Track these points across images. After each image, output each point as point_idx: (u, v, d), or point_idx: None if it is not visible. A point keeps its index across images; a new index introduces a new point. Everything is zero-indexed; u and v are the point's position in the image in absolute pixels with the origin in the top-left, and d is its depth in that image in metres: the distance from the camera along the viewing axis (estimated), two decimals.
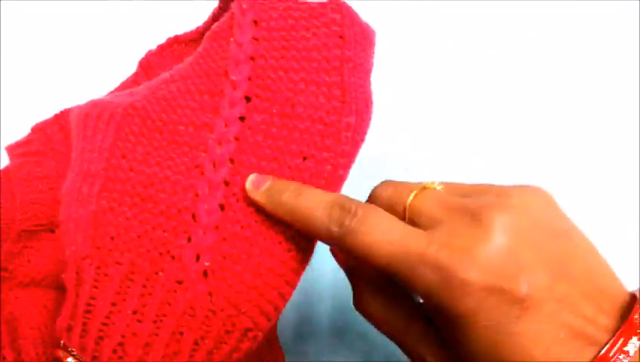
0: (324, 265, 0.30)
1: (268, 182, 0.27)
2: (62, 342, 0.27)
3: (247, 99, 0.28)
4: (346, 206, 0.26)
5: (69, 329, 0.27)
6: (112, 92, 0.42)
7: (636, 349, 0.22)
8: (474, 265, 0.23)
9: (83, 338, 0.26)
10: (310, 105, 0.28)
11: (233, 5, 0.30)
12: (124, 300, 0.27)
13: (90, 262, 0.27)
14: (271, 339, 0.36)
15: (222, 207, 0.27)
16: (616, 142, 0.47)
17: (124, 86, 0.42)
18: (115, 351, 0.26)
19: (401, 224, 0.25)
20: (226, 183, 0.28)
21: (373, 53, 0.30)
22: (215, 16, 0.37)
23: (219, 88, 0.29)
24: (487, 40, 0.50)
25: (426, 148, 0.46)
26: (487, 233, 0.23)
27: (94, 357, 0.26)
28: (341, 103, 0.28)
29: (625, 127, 0.48)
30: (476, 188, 0.26)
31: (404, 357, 0.40)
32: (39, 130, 0.38)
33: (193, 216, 0.27)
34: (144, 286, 0.27)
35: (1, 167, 0.38)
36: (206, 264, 0.27)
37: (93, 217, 0.28)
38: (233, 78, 0.29)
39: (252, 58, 0.29)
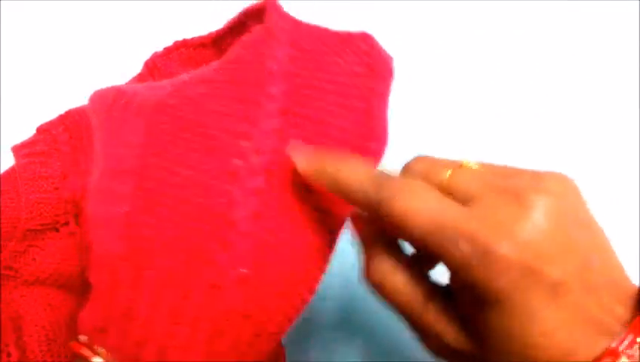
0: None
1: (312, 152, 0.28)
2: (83, 337, 0.27)
3: (283, 113, 0.29)
4: (387, 175, 0.26)
5: (103, 330, 0.27)
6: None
7: None
8: (513, 242, 0.22)
9: (121, 341, 0.26)
10: (340, 127, 0.29)
11: (270, 20, 0.31)
12: (162, 303, 0.27)
13: (125, 263, 0.27)
14: None
15: (256, 215, 0.28)
16: (617, 142, 0.47)
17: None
18: (156, 354, 0.26)
19: (439, 195, 0.25)
20: (261, 192, 0.28)
21: (392, 83, 0.32)
22: (233, 27, 0.37)
23: (254, 99, 0.29)
24: (487, 40, 0.50)
25: (425, 148, 0.46)
26: (528, 212, 0.23)
27: (134, 360, 0.26)
28: (367, 129, 0.30)
29: (625, 127, 0.48)
30: (511, 170, 0.26)
31: (406, 356, 0.40)
32: (44, 130, 0.39)
33: (228, 222, 0.28)
34: (181, 289, 0.27)
35: (5, 168, 0.38)
36: (241, 271, 0.27)
37: (127, 217, 0.28)
38: (271, 91, 0.29)
39: (288, 75, 0.30)
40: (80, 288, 0.36)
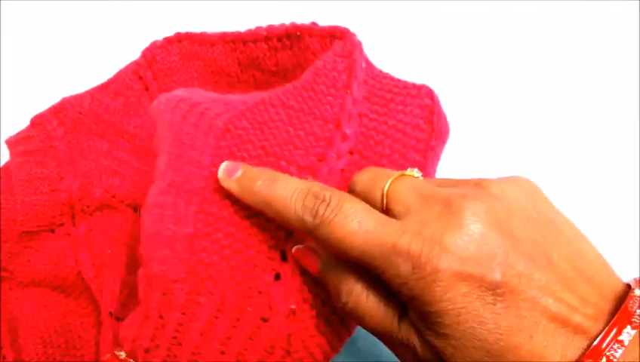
0: None
1: (240, 169, 0.28)
2: (122, 354, 0.27)
3: (351, 153, 0.29)
4: (321, 194, 0.25)
5: (148, 351, 0.26)
6: (117, 76, 0.40)
7: (631, 338, 0.21)
8: (444, 252, 0.22)
9: None
10: None
11: (351, 56, 0.30)
12: (212, 331, 0.26)
13: (181, 286, 0.27)
14: None
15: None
16: (617, 142, 0.48)
17: (122, 74, 0.41)
18: None
19: (375, 214, 0.25)
20: None
21: (446, 143, 0.32)
22: (269, 38, 0.36)
23: (326, 135, 0.29)
24: (487, 40, 0.50)
25: None
26: (458, 221, 0.23)
27: None
28: None
29: (625, 127, 0.48)
30: (458, 181, 0.26)
31: None
32: (38, 124, 0.38)
33: (283, 254, 0.28)
34: (232, 319, 0.27)
35: (1, 162, 0.37)
36: (292, 306, 0.27)
37: (189, 240, 0.27)
38: (346, 130, 0.29)
39: (361, 116, 0.30)
40: (75, 290, 0.36)
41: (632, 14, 0.53)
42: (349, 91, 0.30)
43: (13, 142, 0.37)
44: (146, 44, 0.42)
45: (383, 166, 0.30)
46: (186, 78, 0.40)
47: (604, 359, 0.21)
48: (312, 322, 0.28)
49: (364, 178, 0.27)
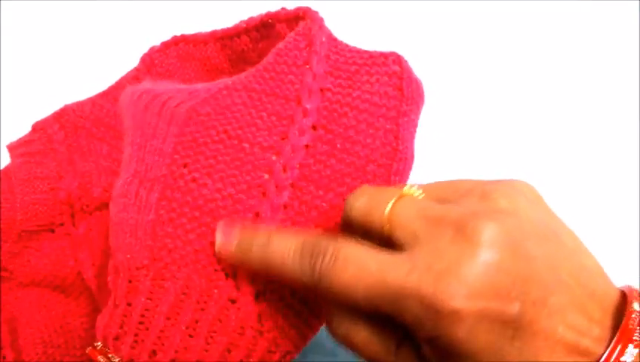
0: None
1: (236, 234, 0.27)
2: (99, 344, 0.27)
3: (314, 128, 0.29)
4: (315, 248, 0.24)
5: (117, 338, 0.26)
6: (118, 83, 0.41)
7: (633, 358, 0.21)
8: (461, 290, 0.21)
9: (134, 349, 0.26)
10: (367, 146, 0.29)
11: (310, 30, 0.31)
12: (179, 314, 0.26)
13: (146, 273, 0.27)
14: None
15: (279, 230, 0.28)
16: (617, 143, 0.47)
17: (124, 81, 0.42)
18: None
19: (376, 254, 0.23)
20: (285, 207, 0.28)
21: (422, 108, 0.32)
22: (251, 28, 0.37)
23: (288, 113, 0.29)
24: (486, 39, 0.50)
25: (425, 148, 0.46)
26: (473, 249, 0.21)
27: None
28: (394, 150, 0.29)
29: (625, 127, 0.48)
30: (458, 189, 0.24)
31: None
32: (40, 129, 0.38)
33: None
34: (198, 301, 0.27)
35: (1, 167, 0.38)
36: (261, 287, 0.27)
37: (151, 227, 0.27)
38: (307, 106, 0.29)
39: (322, 90, 0.30)
40: (75, 290, 0.36)
41: (632, 14, 0.53)
42: (307, 66, 0.30)
43: (14, 146, 0.38)
44: (145, 49, 0.42)
45: (350, 138, 0.29)
46: (184, 80, 0.40)
47: None
48: (283, 302, 0.27)
49: (360, 203, 0.25)
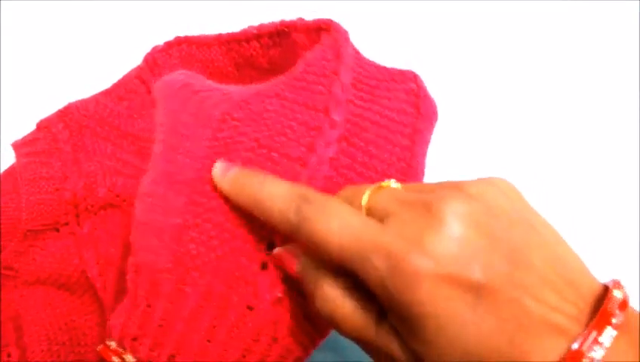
0: None
1: (234, 169, 0.28)
2: (112, 343, 0.27)
3: (339, 140, 0.30)
4: (307, 196, 0.26)
5: (136, 339, 0.27)
6: (121, 81, 0.41)
7: (611, 340, 0.21)
8: (425, 253, 0.22)
9: (153, 351, 0.26)
10: (384, 161, 0.30)
11: (337, 44, 0.31)
12: (198, 320, 0.27)
13: (168, 276, 0.27)
14: None
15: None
16: (616, 143, 0.48)
17: (127, 79, 0.42)
18: None
19: (358, 215, 0.25)
20: None
21: (435, 126, 0.33)
22: (261, 36, 0.37)
23: (316, 124, 0.29)
24: (486, 39, 0.50)
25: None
26: (439, 221, 0.23)
27: None
28: (408, 166, 0.30)
29: (625, 127, 0.48)
30: (435, 185, 0.26)
31: None
32: (44, 127, 0.38)
33: (270, 245, 0.28)
34: (217, 308, 0.27)
35: (5, 165, 0.38)
36: (278, 295, 0.28)
37: (177, 231, 0.28)
38: (335, 118, 0.29)
39: (349, 102, 0.30)
40: (80, 288, 0.36)
41: (632, 14, 0.53)
42: (336, 76, 0.30)
43: (19, 145, 0.38)
44: (148, 48, 0.43)
45: (369, 152, 0.30)
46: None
47: (585, 361, 0.20)
48: (298, 310, 0.28)
49: (342, 193, 0.27)
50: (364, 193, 0.26)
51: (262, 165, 0.29)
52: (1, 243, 0.35)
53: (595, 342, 0.21)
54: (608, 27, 0.52)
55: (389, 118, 0.30)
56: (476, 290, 0.22)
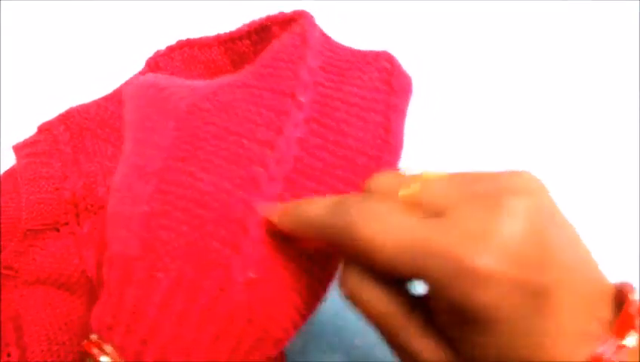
0: None
1: (277, 207, 0.28)
2: (94, 336, 0.27)
3: (307, 121, 0.30)
4: (344, 200, 0.25)
5: (111, 327, 0.27)
6: (123, 86, 0.42)
7: (635, 343, 0.21)
8: (491, 252, 0.20)
9: (126, 338, 0.27)
10: (358, 138, 0.30)
11: (303, 28, 0.32)
12: (171, 305, 0.27)
13: (139, 263, 0.27)
14: None
15: (270, 221, 0.28)
16: (616, 143, 0.47)
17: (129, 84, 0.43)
18: (158, 354, 0.26)
19: (405, 212, 0.23)
20: (279, 199, 0.29)
21: (410, 100, 0.33)
22: (252, 31, 0.38)
23: (285, 108, 0.30)
24: (486, 39, 0.50)
25: (424, 148, 0.46)
26: (505, 217, 0.21)
27: (136, 358, 0.26)
28: (383, 142, 0.30)
29: (625, 128, 0.48)
30: (480, 175, 0.24)
31: None
32: (45, 130, 0.39)
33: (243, 228, 0.28)
34: (190, 292, 0.27)
35: (6, 167, 0.38)
36: (251, 275, 0.27)
37: (145, 218, 0.28)
38: (301, 99, 0.30)
39: (316, 84, 0.31)
40: (80, 288, 0.36)
41: (632, 14, 0.53)
42: (302, 61, 0.30)
43: (19, 147, 0.39)
44: (150, 52, 0.43)
45: (342, 131, 0.30)
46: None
47: None
48: (274, 291, 0.28)
49: (383, 181, 0.25)
50: (409, 183, 0.24)
51: (231, 151, 0.29)
52: (1, 242, 0.35)
53: (617, 344, 0.21)
54: (608, 27, 0.52)
55: (360, 97, 0.31)
56: (538, 295, 0.21)
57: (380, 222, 0.23)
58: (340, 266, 0.26)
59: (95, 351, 0.27)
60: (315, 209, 0.26)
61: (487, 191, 0.22)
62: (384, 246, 0.22)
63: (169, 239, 0.28)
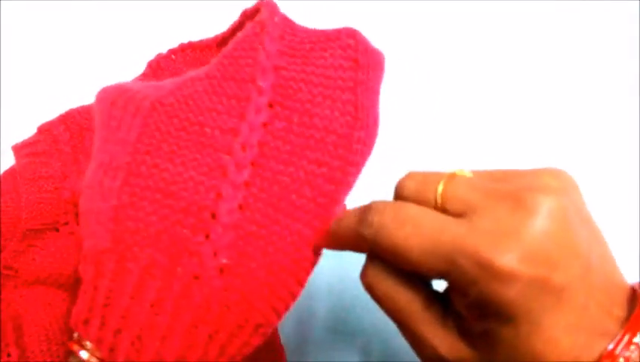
0: (322, 264, 0.30)
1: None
2: (76, 334, 0.28)
3: (270, 106, 0.30)
4: (374, 206, 0.25)
5: (86, 321, 0.27)
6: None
7: None
8: (518, 252, 0.21)
9: (101, 330, 0.27)
10: (326, 117, 0.30)
11: (263, 15, 0.32)
12: (143, 294, 0.27)
13: (109, 256, 0.28)
14: (273, 336, 0.37)
15: (241, 207, 0.29)
16: (616, 143, 0.47)
17: None
18: (133, 344, 0.26)
19: (433, 213, 0.24)
20: (246, 185, 0.29)
21: (383, 76, 0.33)
22: (235, 30, 0.38)
23: (245, 94, 0.30)
24: (487, 39, 0.50)
25: (424, 148, 0.46)
26: (532, 216, 0.22)
27: (112, 349, 0.26)
28: (353, 119, 0.30)
29: (625, 128, 0.48)
30: (507, 173, 0.25)
31: (402, 355, 0.40)
32: (45, 130, 0.39)
33: (213, 215, 0.28)
34: (162, 280, 0.27)
35: (6, 167, 0.38)
36: (223, 261, 0.28)
37: (114, 211, 0.28)
38: (260, 84, 0.30)
39: (277, 68, 0.31)
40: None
41: (632, 14, 0.53)
42: (260, 46, 0.31)
43: (19, 147, 0.39)
44: (151, 54, 0.43)
45: (307, 112, 0.30)
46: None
47: (621, 359, 0.21)
48: (250, 276, 0.28)
49: (411, 183, 0.26)
50: (438, 183, 0.25)
51: (195, 141, 0.29)
52: (1, 242, 0.35)
53: (630, 342, 0.21)
54: (608, 27, 0.52)
55: (325, 76, 0.31)
56: (559, 293, 0.22)
57: (408, 225, 0.23)
58: (365, 259, 0.27)
59: (76, 347, 0.27)
60: (345, 221, 0.26)
61: (512, 190, 0.23)
62: (413, 249, 0.23)
63: (137, 229, 0.28)
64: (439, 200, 0.24)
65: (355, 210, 0.27)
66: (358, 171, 0.30)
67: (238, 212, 0.28)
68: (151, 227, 0.28)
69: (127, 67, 0.43)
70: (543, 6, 0.52)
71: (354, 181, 0.30)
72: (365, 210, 0.25)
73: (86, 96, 0.42)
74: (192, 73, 0.32)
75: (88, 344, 0.27)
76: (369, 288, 0.26)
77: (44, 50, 0.48)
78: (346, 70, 0.31)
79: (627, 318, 0.22)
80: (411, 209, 0.24)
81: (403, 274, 0.25)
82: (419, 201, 0.25)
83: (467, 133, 0.47)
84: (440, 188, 0.25)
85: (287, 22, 0.32)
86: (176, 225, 0.28)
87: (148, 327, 0.27)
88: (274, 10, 0.32)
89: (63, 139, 0.39)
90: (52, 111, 0.40)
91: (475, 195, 0.24)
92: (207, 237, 0.28)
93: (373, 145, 0.31)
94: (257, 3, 0.34)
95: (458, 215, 0.24)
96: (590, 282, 0.22)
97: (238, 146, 0.29)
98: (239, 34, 0.32)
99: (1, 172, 0.38)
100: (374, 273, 0.26)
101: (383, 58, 0.33)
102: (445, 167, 0.45)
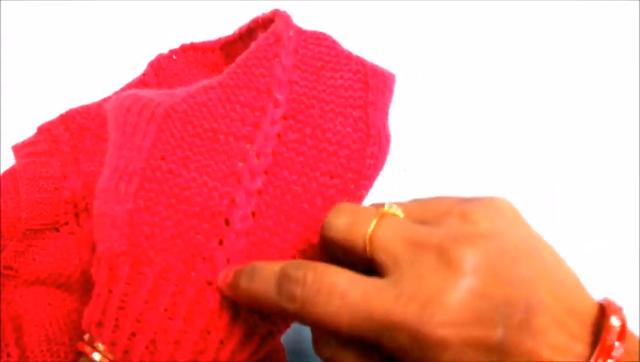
0: None
1: (229, 273, 0.27)
2: (87, 336, 0.28)
3: (285, 118, 0.31)
4: (294, 275, 0.24)
5: (100, 324, 0.27)
6: (124, 89, 0.42)
7: None
8: (446, 318, 0.21)
9: (115, 333, 0.27)
10: (338, 133, 0.31)
11: (278, 27, 0.33)
12: (157, 298, 0.27)
13: (124, 259, 0.28)
14: None
15: (254, 214, 0.29)
16: (616, 143, 0.47)
17: (130, 86, 0.43)
18: (147, 347, 0.27)
19: (360, 281, 0.23)
20: (259, 192, 0.29)
21: (392, 97, 0.34)
22: (242, 35, 0.39)
23: (260, 104, 0.31)
24: (486, 40, 0.50)
25: (424, 148, 0.46)
26: (457, 277, 0.21)
27: (126, 352, 0.27)
28: (366, 135, 0.31)
29: (625, 128, 0.48)
30: (437, 209, 0.25)
31: None
32: (45, 130, 0.39)
33: (226, 221, 0.29)
34: (176, 285, 0.28)
35: (6, 167, 0.38)
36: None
37: (129, 216, 0.29)
38: (277, 96, 0.31)
39: (291, 82, 0.31)
40: (80, 288, 0.36)
41: (632, 14, 0.53)
42: (277, 59, 0.32)
43: (19, 147, 0.39)
44: (152, 53, 0.43)
45: (320, 126, 0.31)
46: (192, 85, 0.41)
47: None
48: None
49: (340, 222, 0.25)
50: (368, 223, 0.24)
51: (209, 147, 0.30)
52: (1, 242, 0.35)
53: None
54: (608, 27, 0.52)
55: (336, 95, 0.32)
56: (499, 348, 0.21)
57: (334, 299, 0.23)
58: (315, 334, 0.26)
59: (87, 349, 0.27)
60: (265, 285, 0.25)
61: (437, 241, 0.23)
62: (342, 323, 0.23)
63: (153, 233, 0.28)
64: (368, 248, 0.24)
65: (268, 275, 0.25)
66: (370, 185, 0.31)
67: (251, 219, 0.29)
68: (166, 231, 0.28)
69: (127, 67, 0.43)
70: (543, 6, 0.52)
71: (366, 194, 0.31)
72: (282, 280, 0.24)
73: (86, 96, 0.42)
74: (204, 82, 0.33)
75: (100, 346, 0.27)
76: (324, 359, 0.25)
77: (44, 50, 0.48)
78: (357, 90, 0.32)
79: (595, 342, 0.22)
80: (334, 277, 0.23)
81: (356, 343, 0.24)
82: (346, 247, 0.25)
83: (467, 133, 0.47)
84: (368, 232, 0.24)
85: (300, 35, 0.33)
86: (190, 231, 0.28)
87: (162, 331, 0.27)
88: (289, 22, 0.33)
89: (63, 139, 0.39)
90: (52, 111, 0.40)
91: (401, 246, 0.23)
92: (220, 243, 0.28)
93: (385, 160, 0.32)
94: (271, 12, 0.35)
95: (384, 269, 0.23)
96: (538, 325, 0.21)
97: (252, 154, 0.30)
98: (253, 43, 0.33)
99: (1, 172, 0.38)
100: (323, 346, 0.25)
101: (394, 80, 0.34)
102: (445, 166, 0.45)
